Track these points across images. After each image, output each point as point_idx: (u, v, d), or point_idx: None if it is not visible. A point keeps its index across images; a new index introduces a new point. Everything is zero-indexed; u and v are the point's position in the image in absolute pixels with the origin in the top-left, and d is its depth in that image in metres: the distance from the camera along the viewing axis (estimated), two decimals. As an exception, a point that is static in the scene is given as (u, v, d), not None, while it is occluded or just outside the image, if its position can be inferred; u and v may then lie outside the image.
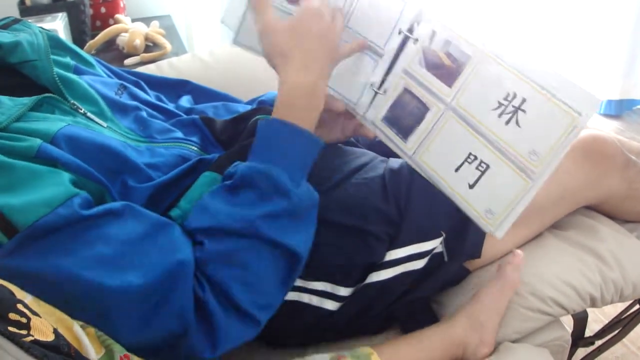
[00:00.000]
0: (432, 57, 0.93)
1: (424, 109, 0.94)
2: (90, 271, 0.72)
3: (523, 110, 0.82)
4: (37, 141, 0.78)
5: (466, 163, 0.88)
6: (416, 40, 0.95)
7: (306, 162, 0.88)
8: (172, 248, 0.78)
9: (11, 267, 0.70)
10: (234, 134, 1.08)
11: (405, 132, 0.96)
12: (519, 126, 0.82)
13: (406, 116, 0.96)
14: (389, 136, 0.99)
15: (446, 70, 0.91)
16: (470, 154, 0.88)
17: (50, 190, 0.73)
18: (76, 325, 0.69)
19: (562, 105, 0.78)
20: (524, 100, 0.82)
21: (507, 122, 0.83)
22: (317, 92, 0.90)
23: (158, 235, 0.78)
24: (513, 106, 0.83)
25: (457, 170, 0.89)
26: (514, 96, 0.83)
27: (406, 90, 0.96)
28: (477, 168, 0.87)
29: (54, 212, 0.71)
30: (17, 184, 0.73)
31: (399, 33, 0.97)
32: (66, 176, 0.77)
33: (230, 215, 0.80)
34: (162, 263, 0.75)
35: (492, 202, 0.86)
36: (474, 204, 0.88)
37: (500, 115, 0.84)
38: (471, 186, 0.88)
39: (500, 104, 0.84)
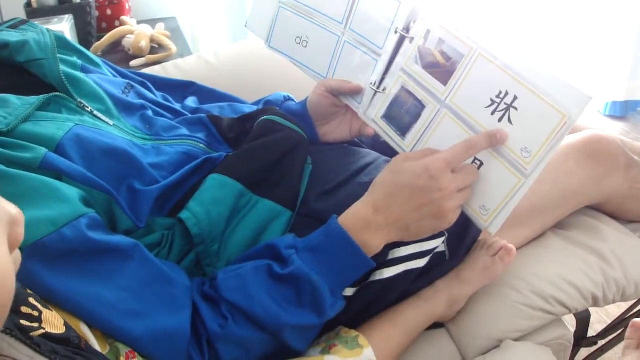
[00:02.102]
0: (427, 55, 0.94)
1: (420, 106, 0.95)
2: (90, 305, 0.72)
3: (515, 108, 0.83)
4: (42, 151, 0.78)
5: None
6: (412, 39, 0.96)
7: (353, 280, 0.89)
8: (172, 304, 0.78)
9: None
10: (241, 132, 1.09)
11: (403, 129, 0.98)
12: (511, 123, 0.83)
13: (404, 114, 0.98)
14: (389, 133, 1.01)
15: (441, 68, 0.92)
16: None
17: (57, 208, 0.72)
18: (82, 324, 0.70)
19: (553, 103, 0.79)
20: (515, 98, 0.83)
21: (500, 120, 0.84)
22: (373, 249, 0.88)
23: (160, 286, 0.78)
24: (505, 104, 0.84)
25: None
26: (506, 94, 0.83)
27: (404, 89, 0.98)
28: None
29: (58, 231, 0.70)
30: (22, 197, 0.71)
31: (395, 32, 0.99)
32: (74, 192, 0.76)
33: (264, 308, 0.81)
34: (160, 319, 0.76)
35: (486, 199, 0.87)
36: (469, 200, 0.89)
37: (493, 112, 0.85)
38: None
39: (493, 102, 0.85)
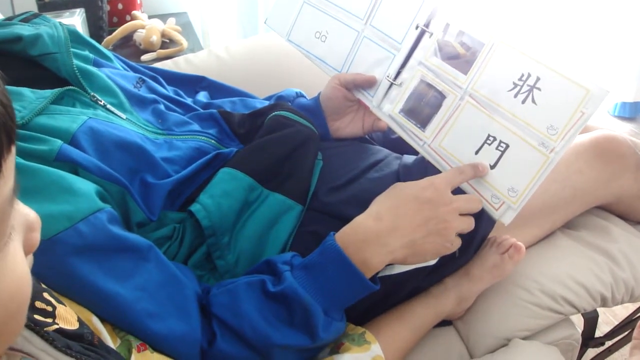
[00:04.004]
0: (447, 47, 0.97)
1: (441, 97, 0.97)
2: (105, 301, 0.71)
3: (538, 88, 0.85)
4: (57, 143, 0.78)
5: (486, 145, 0.91)
6: (431, 33, 0.99)
7: (351, 302, 0.84)
8: (184, 309, 0.77)
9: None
10: (251, 128, 1.09)
11: (423, 121, 0.99)
12: (535, 104, 0.86)
13: (424, 106, 0.99)
14: (407, 127, 1.02)
15: (461, 58, 0.94)
16: (489, 135, 0.91)
17: (73, 203, 0.72)
18: (94, 317, 0.70)
19: (575, 80, 0.81)
20: (538, 79, 0.85)
21: (524, 101, 0.87)
22: (376, 266, 0.84)
23: (173, 290, 0.78)
24: (528, 85, 0.86)
25: (477, 152, 0.92)
26: (529, 76, 0.86)
27: (423, 81, 1.00)
28: (497, 148, 0.90)
29: (73, 227, 0.70)
30: (39, 190, 0.71)
31: (416, 28, 1.01)
32: (90, 187, 0.76)
33: (253, 326, 0.78)
34: (173, 322, 0.75)
35: (514, 180, 0.88)
36: (496, 184, 0.90)
37: (516, 95, 0.88)
38: (492, 166, 0.90)
39: (516, 85, 0.88)
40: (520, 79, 0.87)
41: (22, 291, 0.41)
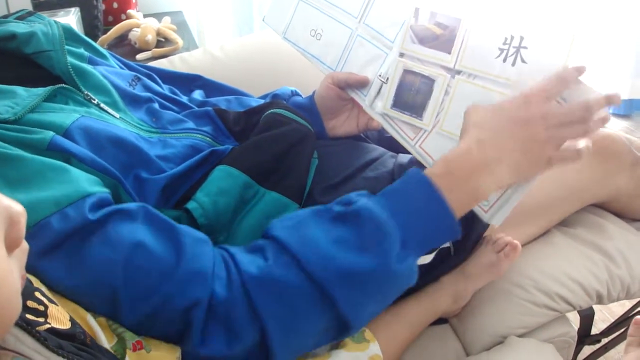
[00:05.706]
0: (422, 31, 0.97)
1: (430, 82, 0.97)
2: (101, 276, 0.69)
3: (524, 47, 0.87)
4: (49, 133, 0.77)
5: None
6: None
7: (432, 242, 0.77)
8: (178, 242, 0.73)
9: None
10: (247, 125, 1.08)
11: (418, 110, 0.99)
12: (525, 62, 0.87)
13: (414, 94, 0.99)
14: (403, 120, 1.02)
15: (440, 39, 0.95)
16: None
17: (61, 188, 0.71)
18: (89, 315, 0.70)
19: (558, 29, 0.83)
20: (522, 38, 0.87)
21: (513, 63, 0.88)
22: (485, 194, 0.79)
23: (168, 233, 0.74)
24: (514, 47, 0.88)
25: None
26: (512, 38, 0.88)
27: (406, 71, 1.00)
28: None
29: (61, 211, 0.68)
30: (27, 179, 0.70)
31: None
32: (81, 174, 0.75)
33: (317, 249, 0.71)
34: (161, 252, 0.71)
35: None
36: None
37: (505, 59, 0.89)
38: None
39: (502, 50, 0.89)
40: (505, 43, 0.88)
41: (1, 287, 0.38)
